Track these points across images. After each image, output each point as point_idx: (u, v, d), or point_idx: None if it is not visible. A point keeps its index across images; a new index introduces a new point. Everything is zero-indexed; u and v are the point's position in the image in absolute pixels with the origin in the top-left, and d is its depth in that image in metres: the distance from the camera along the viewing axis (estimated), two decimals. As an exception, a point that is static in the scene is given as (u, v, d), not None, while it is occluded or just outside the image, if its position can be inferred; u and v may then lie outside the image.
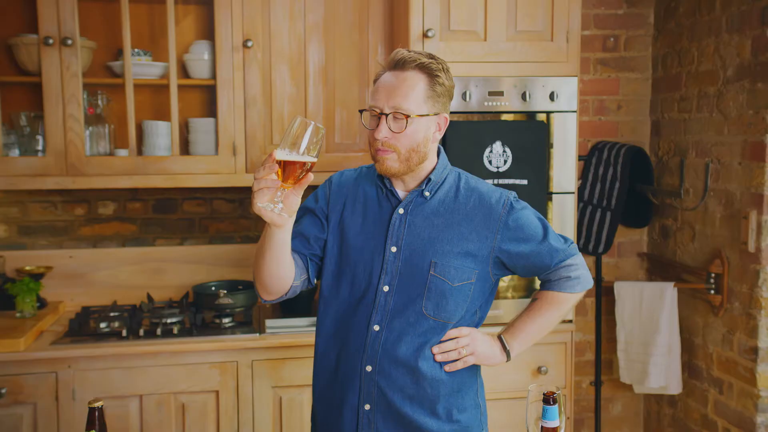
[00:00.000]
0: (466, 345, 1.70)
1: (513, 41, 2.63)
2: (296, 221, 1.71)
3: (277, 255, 1.59)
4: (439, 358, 1.69)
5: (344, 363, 1.72)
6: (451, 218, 1.70)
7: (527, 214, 1.73)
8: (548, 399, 1.41)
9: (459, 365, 1.71)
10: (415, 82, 1.61)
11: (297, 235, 1.72)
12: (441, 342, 1.70)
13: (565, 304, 1.78)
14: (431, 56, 1.65)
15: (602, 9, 3.24)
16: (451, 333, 1.70)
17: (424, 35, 2.56)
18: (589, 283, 1.79)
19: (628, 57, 3.29)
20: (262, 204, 1.44)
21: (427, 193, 1.70)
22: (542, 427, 1.43)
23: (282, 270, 1.63)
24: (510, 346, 1.76)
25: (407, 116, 1.60)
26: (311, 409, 1.86)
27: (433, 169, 1.71)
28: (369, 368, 1.69)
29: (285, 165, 1.43)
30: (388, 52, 2.84)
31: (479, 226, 1.69)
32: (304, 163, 1.44)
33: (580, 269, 1.76)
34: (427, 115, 1.63)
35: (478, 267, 1.69)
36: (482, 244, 1.69)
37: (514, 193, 1.75)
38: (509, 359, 1.77)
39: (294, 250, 1.70)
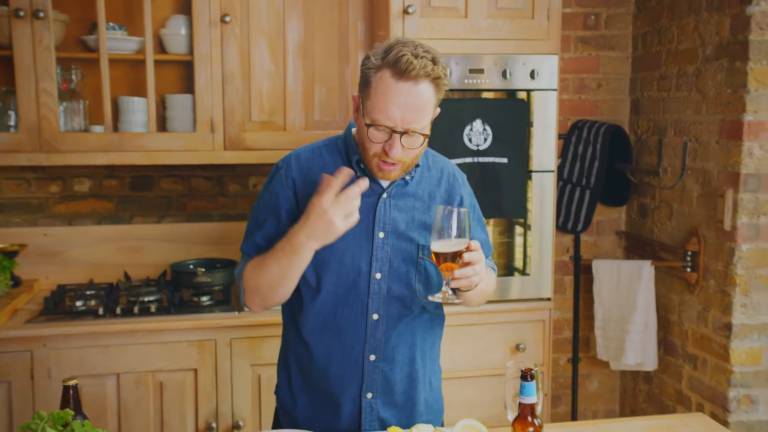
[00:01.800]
0: (480, 266, 1.55)
1: (494, 18, 2.61)
2: (263, 226, 1.67)
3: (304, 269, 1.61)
4: (463, 283, 1.54)
5: (341, 356, 1.68)
6: (427, 198, 1.70)
7: (474, 199, 1.83)
8: (526, 376, 1.42)
9: (472, 287, 1.57)
10: (429, 98, 1.52)
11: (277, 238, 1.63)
12: (456, 266, 1.53)
13: (492, 283, 1.82)
14: (435, 60, 1.52)
15: (583, -14, 3.23)
16: (472, 258, 1.53)
17: (405, 12, 2.53)
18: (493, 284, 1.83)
19: (609, 35, 3.28)
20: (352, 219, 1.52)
21: (408, 177, 1.68)
22: (520, 403, 1.44)
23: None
24: None
25: (426, 136, 1.56)
26: (282, 407, 1.79)
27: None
28: (372, 357, 1.68)
29: (439, 255, 1.53)
30: (368, 29, 2.81)
31: (443, 201, 1.72)
32: (459, 250, 1.53)
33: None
34: (432, 122, 1.59)
35: None
36: None
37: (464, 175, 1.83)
38: None
39: None
